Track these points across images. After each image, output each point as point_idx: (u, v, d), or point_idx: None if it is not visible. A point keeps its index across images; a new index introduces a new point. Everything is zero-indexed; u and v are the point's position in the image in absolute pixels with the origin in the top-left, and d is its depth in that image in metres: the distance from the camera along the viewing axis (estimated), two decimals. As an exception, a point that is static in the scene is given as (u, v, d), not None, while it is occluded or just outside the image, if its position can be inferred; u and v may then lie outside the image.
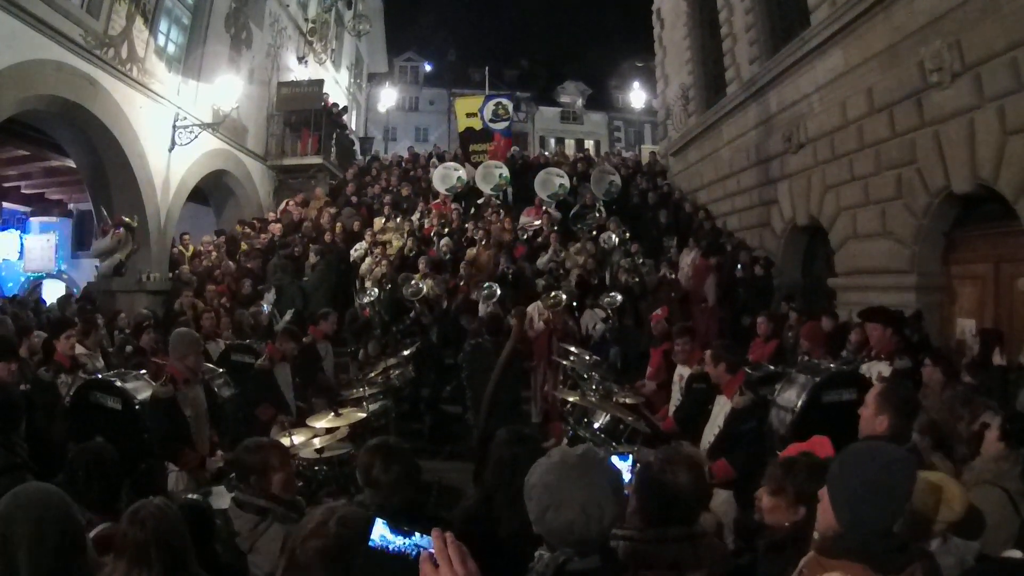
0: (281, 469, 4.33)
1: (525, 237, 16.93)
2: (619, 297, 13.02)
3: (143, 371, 7.77)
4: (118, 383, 7.05)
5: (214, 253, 16.98)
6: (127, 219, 15.01)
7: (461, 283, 14.34)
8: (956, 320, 10.67)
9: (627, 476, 4.01)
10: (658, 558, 3.18)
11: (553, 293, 12.10)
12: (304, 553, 2.76)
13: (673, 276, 14.57)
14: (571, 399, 8.00)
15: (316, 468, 6.85)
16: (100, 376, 7.58)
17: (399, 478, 3.92)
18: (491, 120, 22.83)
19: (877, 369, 7.03)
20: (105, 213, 15.25)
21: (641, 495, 3.39)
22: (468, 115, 23.42)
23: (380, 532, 2.08)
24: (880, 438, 4.13)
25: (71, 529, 2.94)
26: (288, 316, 13.58)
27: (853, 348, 8.83)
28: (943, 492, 3.45)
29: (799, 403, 6.17)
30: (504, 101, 23.57)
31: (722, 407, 6.30)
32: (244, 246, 17.32)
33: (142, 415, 6.64)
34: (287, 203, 20.55)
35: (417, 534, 2.06)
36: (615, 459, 4.22)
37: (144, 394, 6.82)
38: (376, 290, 14.04)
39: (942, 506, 3.41)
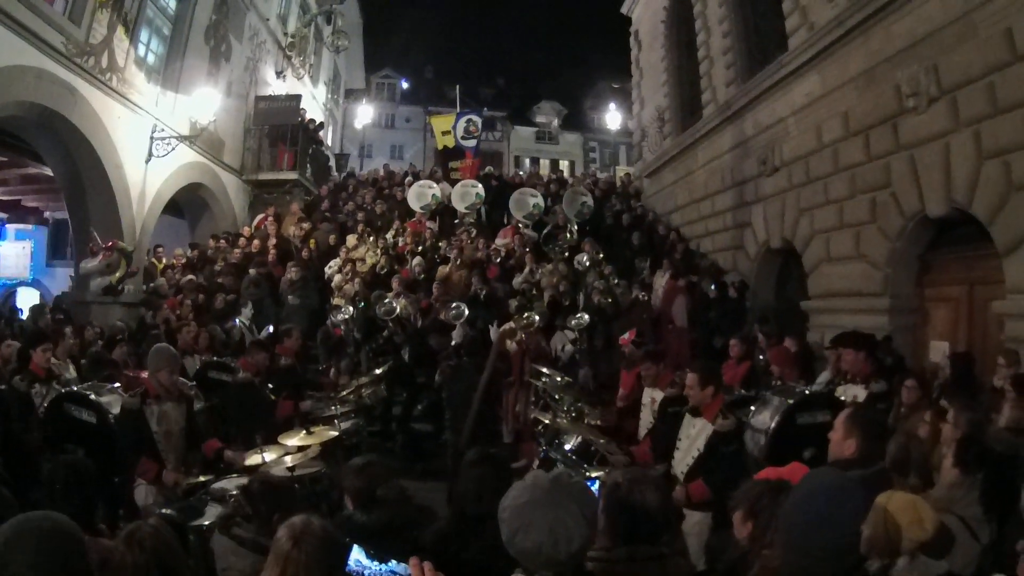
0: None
1: (498, 259, 16.83)
2: (586, 318, 12.95)
3: (116, 384, 7.75)
4: (93, 396, 7.10)
5: (184, 267, 16.84)
6: (122, 244, 14.93)
7: (435, 303, 14.21)
8: (929, 343, 10.71)
9: None
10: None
11: (526, 314, 12.02)
12: (305, 552, 2.81)
13: (646, 298, 14.53)
14: (543, 420, 7.95)
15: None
16: (75, 389, 7.57)
17: (401, 494, 3.91)
18: (463, 137, 22.88)
19: (853, 392, 7.04)
20: (96, 234, 15.04)
21: (609, 514, 3.36)
22: (443, 133, 23.47)
23: (356, 557, 2.06)
24: (848, 461, 4.13)
25: (77, 566, 2.83)
26: (265, 333, 13.48)
27: (832, 371, 8.87)
28: (913, 512, 3.45)
29: (772, 424, 6.16)
30: (474, 118, 23.61)
31: (700, 429, 6.18)
32: (220, 261, 17.19)
33: (115, 429, 6.64)
34: (262, 217, 20.41)
35: (392, 561, 2.03)
36: None
37: (118, 408, 6.79)
38: (351, 308, 13.94)
39: (913, 526, 3.42)
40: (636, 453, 7.51)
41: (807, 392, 6.69)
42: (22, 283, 26.30)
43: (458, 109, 24.58)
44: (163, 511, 4.91)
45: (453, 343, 12.12)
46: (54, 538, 2.69)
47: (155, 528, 3.26)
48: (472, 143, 23.00)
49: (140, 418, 6.34)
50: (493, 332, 11.94)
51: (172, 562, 3.19)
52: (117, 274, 14.74)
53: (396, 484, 4.02)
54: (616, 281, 15.15)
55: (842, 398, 6.80)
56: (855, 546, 2.68)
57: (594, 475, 6.00)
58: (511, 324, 11.36)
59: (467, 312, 12.78)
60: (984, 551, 4.00)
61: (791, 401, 6.33)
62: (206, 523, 4.57)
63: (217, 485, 6.17)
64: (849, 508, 2.61)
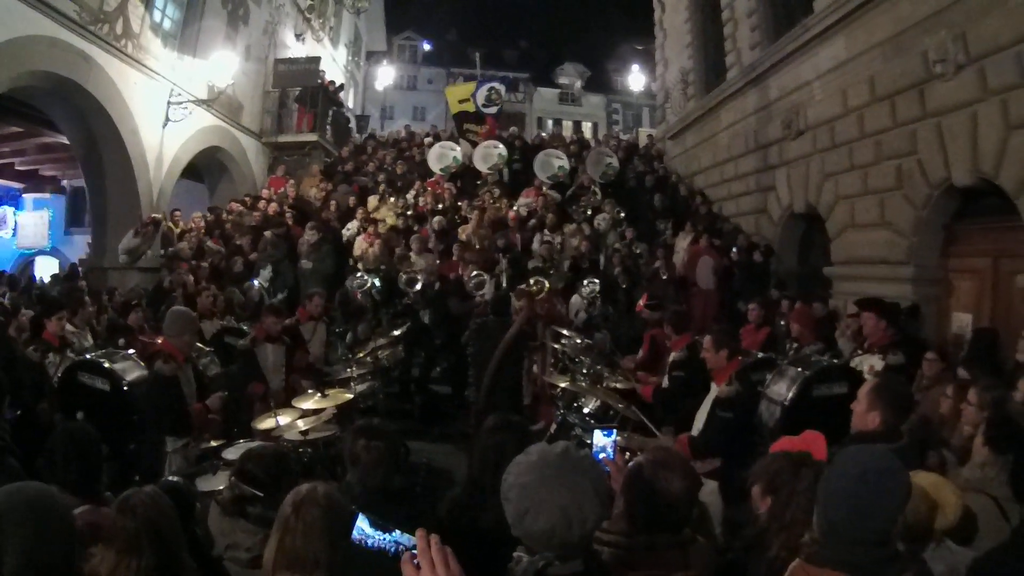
0: None
1: (517, 218, 16.75)
2: (597, 283, 12.89)
3: (131, 350, 7.74)
4: (106, 364, 7.01)
5: (202, 230, 16.86)
6: (156, 215, 15.20)
7: (455, 262, 14.16)
8: (952, 314, 10.61)
9: (610, 452, 3.93)
10: (645, 563, 3.04)
11: (534, 280, 11.99)
12: (303, 520, 2.80)
13: (663, 268, 14.42)
14: (561, 384, 7.92)
15: (301, 450, 6.77)
16: (88, 357, 7.51)
17: (379, 457, 3.90)
18: (484, 105, 22.69)
19: (869, 363, 6.96)
20: (141, 214, 15.19)
21: (630, 499, 3.22)
22: (460, 101, 23.26)
23: (360, 526, 2.03)
24: (872, 434, 4.04)
25: (67, 533, 2.79)
26: (280, 297, 13.47)
27: (849, 336, 8.84)
28: (936, 498, 3.36)
29: (789, 396, 6.10)
30: (497, 86, 23.47)
31: (712, 393, 6.21)
32: (231, 221, 17.23)
33: (130, 396, 6.62)
34: (273, 178, 20.52)
35: (397, 531, 2.01)
36: (598, 434, 4.08)
37: (132, 375, 6.83)
38: (367, 280, 13.76)
39: (933, 512, 3.32)
40: (641, 391, 7.61)
41: (824, 363, 6.61)
42: (41, 252, 26.52)
43: (478, 72, 24.35)
44: (170, 478, 4.88)
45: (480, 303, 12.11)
46: (34, 508, 2.67)
47: (149, 495, 3.21)
48: (495, 109, 22.88)
49: (175, 385, 6.36)
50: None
51: (166, 529, 3.14)
52: (150, 244, 14.87)
53: (387, 444, 4.00)
54: (639, 251, 15.10)
55: (859, 368, 6.75)
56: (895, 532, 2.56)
57: (607, 428, 5.95)
58: (523, 287, 11.36)
59: (488, 282, 12.73)
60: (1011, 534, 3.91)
61: (808, 372, 6.26)
62: (217, 488, 4.54)
63: (229, 451, 6.17)
64: (897, 493, 2.48)
